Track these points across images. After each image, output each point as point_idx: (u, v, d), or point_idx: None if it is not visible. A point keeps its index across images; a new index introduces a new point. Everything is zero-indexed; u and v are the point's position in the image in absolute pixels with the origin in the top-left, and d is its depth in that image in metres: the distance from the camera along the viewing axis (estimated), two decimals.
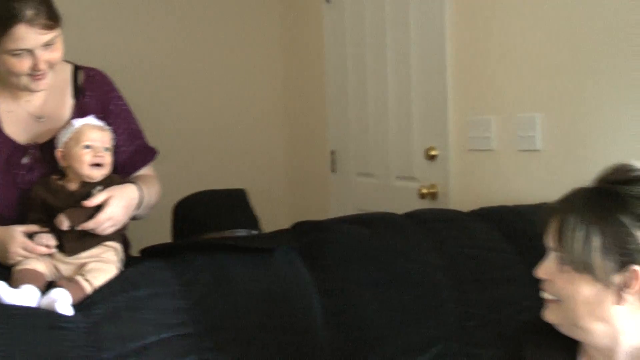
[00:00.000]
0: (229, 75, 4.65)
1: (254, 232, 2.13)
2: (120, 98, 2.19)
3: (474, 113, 2.99)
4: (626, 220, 1.26)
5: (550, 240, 1.35)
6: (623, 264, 1.27)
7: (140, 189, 2.01)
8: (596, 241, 1.27)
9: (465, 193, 3.03)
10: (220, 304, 1.86)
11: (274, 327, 1.87)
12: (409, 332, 1.97)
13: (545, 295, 1.38)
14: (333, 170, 4.10)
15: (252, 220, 2.16)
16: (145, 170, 2.21)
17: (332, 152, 4.09)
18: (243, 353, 1.80)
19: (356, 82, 3.79)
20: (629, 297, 1.29)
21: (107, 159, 1.99)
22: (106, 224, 1.88)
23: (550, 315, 1.38)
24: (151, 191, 2.10)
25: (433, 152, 3.19)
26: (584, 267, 1.29)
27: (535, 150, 2.67)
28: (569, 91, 2.54)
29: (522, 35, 2.72)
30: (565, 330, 1.37)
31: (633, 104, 2.30)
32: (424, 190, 3.20)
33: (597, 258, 1.27)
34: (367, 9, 3.65)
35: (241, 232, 2.09)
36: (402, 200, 3.29)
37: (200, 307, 1.83)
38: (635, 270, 1.26)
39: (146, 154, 2.22)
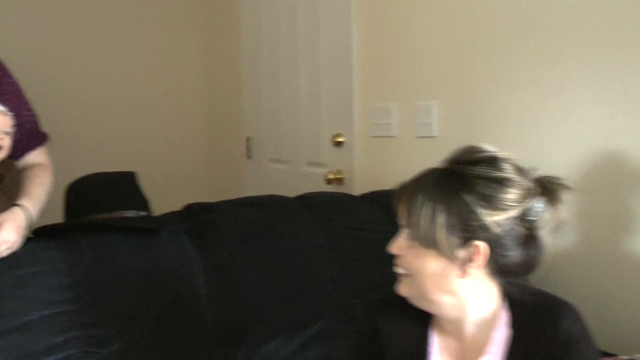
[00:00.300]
0: (148, 64, 4.65)
1: (143, 213, 2.17)
2: (13, 83, 2.19)
3: (377, 101, 3.08)
4: (469, 199, 1.33)
5: (401, 217, 1.42)
6: (466, 240, 1.34)
7: (27, 213, 1.98)
8: (441, 218, 1.34)
9: (369, 178, 3.11)
10: (105, 282, 1.89)
11: (157, 304, 1.91)
12: (292, 310, 2.03)
13: (398, 269, 1.44)
14: (248, 156, 4.15)
15: (141, 202, 2.20)
16: (36, 154, 2.21)
17: (248, 139, 4.14)
18: (125, 329, 1.84)
19: (270, 71, 3.85)
20: (472, 270, 1.36)
21: (6, 142, 2.00)
22: (1, 247, 1.89)
23: (402, 289, 1.44)
24: (40, 197, 2.06)
25: (340, 139, 3.27)
26: (430, 243, 1.35)
27: (431, 137, 2.77)
28: (463, 81, 2.64)
29: (422, 28, 2.82)
30: (417, 302, 1.44)
31: (520, 93, 2.42)
32: (331, 176, 3.27)
33: (442, 234, 1.34)
34: (281, 1, 3.70)
35: (130, 214, 2.12)
36: (311, 186, 3.33)
37: (84, 284, 1.87)
38: (477, 246, 1.33)
39: (36, 139, 2.22)
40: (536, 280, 2.29)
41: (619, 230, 2.20)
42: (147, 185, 3.92)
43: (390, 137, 3.00)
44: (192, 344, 1.92)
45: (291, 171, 3.70)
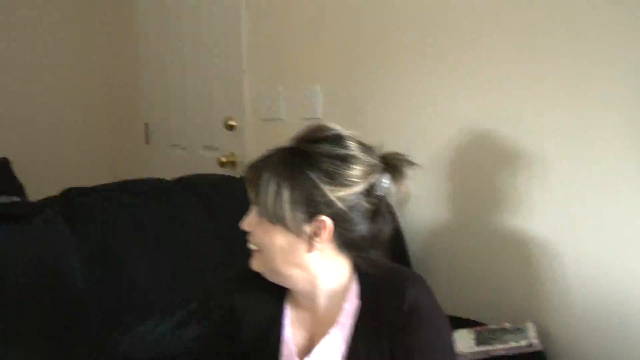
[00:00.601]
0: (42, 49, 4.56)
1: (16, 199, 2.15)
2: None
3: (266, 85, 3.12)
4: (314, 175, 1.37)
5: (250, 195, 1.46)
6: (311, 215, 1.38)
7: None
8: (286, 195, 1.37)
9: None
10: None
11: (33, 291, 1.89)
12: (175, 293, 2.04)
13: (250, 246, 1.48)
14: (147, 142, 4.14)
15: (14, 188, 2.19)
16: None
17: (146, 125, 4.13)
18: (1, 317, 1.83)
19: (165, 57, 3.85)
20: (319, 245, 1.40)
21: None
22: None
23: (255, 264, 1.48)
24: None
25: (232, 123, 3.30)
26: (277, 219, 1.39)
27: (316, 119, 2.82)
28: (345, 65, 2.73)
29: (308, 15, 2.89)
30: (270, 277, 1.48)
31: (398, 76, 2.52)
32: (224, 159, 3.30)
33: (287, 210, 1.37)
34: None
35: (2, 199, 2.11)
36: (207, 170, 3.36)
37: None
38: (322, 220, 1.37)
39: None
40: (414, 253, 2.38)
41: (488, 206, 2.29)
42: (43, 171, 3.90)
43: (278, 119, 3.05)
44: (69, 328, 1.92)
45: (188, 155, 3.72)
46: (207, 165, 3.45)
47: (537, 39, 2.12)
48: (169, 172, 3.82)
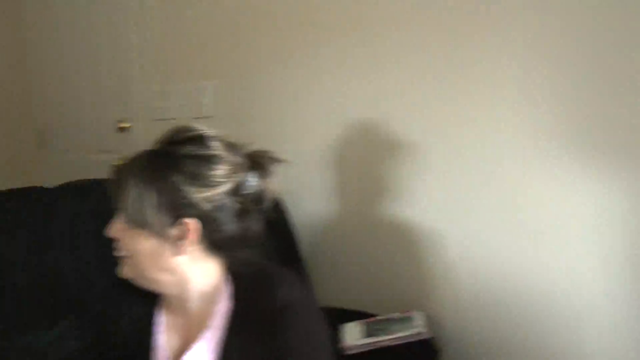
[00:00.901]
0: None
1: None
2: None
3: (156, 85, 3.08)
4: (177, 178, 1.35)
5: (115, 200, 1.43)
6: (177, 218, 1.35)
7: None
8: (149, 199, 1.35)
9: None
10: None
11: None
12: (50, 299, 2.00)
13: (118, 252, 1.45)
14: (41, 147, 4.04)
15: None
16: None
17: (39, 130, 4.03)
18: None
19: (57, 61, 3.77)
20: (186, 247, 1.38)
21: None
22: None
23: (124, 271, 1.45)
24: None
25: (124, 125, 3.25)
26: (140, 224, 1.36)
27: (208, 117, 2.80)
28: (236, 62, 2.73)
29: (196, 13, 2.89)
30: (139, 283, 1.45)
31: (287, 73, 2.54)
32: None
33: (152, 214, 1.35)
34: None
35: None
36: (101, 174, 3.30)
37: None
38: (187, 223, 1.35)
39: None
40: (305, 248, 2.39)
41: (374, 197, 2.32)
42: None
43: (171, 119, 3.01)
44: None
45: (83, 159, 3.64)
46: (101, 169, 3.37)
47: (418, 34, 2.15)
48: (64, 177, 3.75)
